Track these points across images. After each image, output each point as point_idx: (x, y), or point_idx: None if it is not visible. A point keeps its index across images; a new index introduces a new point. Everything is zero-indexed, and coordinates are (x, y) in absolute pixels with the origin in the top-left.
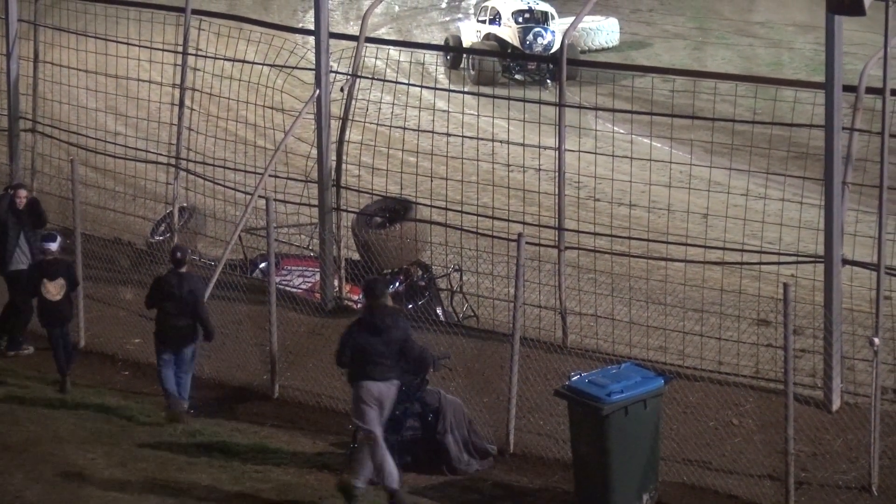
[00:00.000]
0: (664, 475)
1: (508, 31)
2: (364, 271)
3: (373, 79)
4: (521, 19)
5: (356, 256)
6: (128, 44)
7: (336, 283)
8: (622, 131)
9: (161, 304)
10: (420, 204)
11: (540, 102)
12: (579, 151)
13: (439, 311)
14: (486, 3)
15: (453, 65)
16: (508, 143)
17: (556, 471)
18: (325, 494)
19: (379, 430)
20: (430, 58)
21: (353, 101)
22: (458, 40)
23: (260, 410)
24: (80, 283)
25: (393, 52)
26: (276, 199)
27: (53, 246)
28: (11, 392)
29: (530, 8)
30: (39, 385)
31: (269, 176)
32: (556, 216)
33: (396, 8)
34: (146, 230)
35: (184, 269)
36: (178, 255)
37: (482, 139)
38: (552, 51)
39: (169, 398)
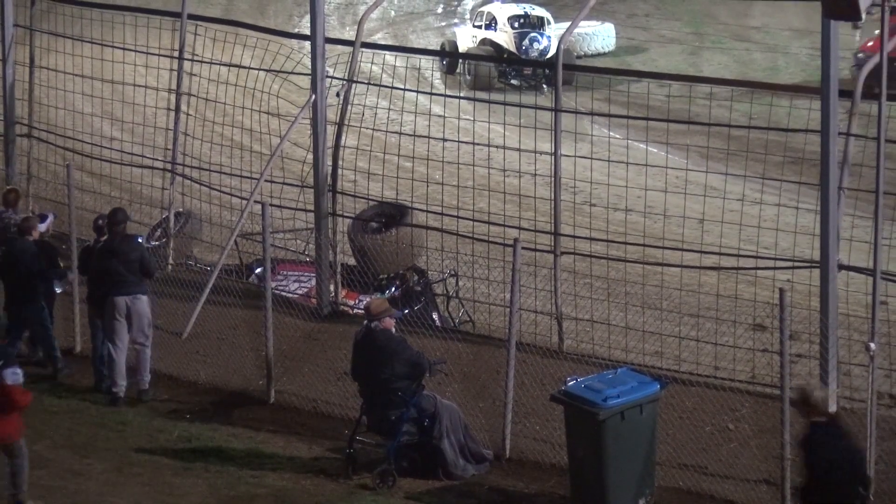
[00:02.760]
0: (660, 480)
1: (504, 37)
2: (360, 276)
3: (369, 84)
4: (517, 24)
5: (352, 261)
6: (124, 49)
7: (332, 288)
8: (618, 136)
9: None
10: (416, 209)
11: (536, 108)
12: (575, 156)
13: (435, 316)
14: (482, 9)
15: (449, 70)
16: (504, 148)
17: (552, 476)
18: (321, 500)
19: (126, 339)
20: (426, 63)
21: (350, 106)
22: (455, 45)
23: (256, 415)
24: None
25: (389, 57)
26: (272, 204)
27: (41, 227)
28: None
29: (526, 13)
30: (35, 389)
31: (266, 181)
32: (552, 221)
33: (392, 13)
34: (142, 235)
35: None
36: (100, 222)
37: (478, 144)
38: (548, 56)
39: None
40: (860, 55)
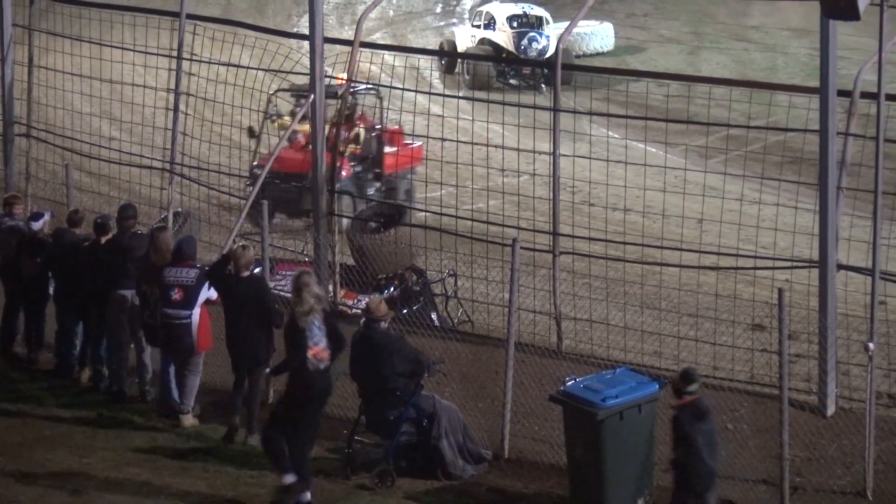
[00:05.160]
0: (659, 480)
1: (503, 36)
2: (359, 276)
3: (367, 83)
4: (515, 24)
5: (351, 261)
6: (122, 48)
7: (331, 287)
8: (617, 136)
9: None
10: (415, 209)
11: (535, 107)
12: (574, 156)
13: (434, 316)
14: (480, 8)
15: (448, 69)
16: (503, 147)
17: (551, 476)
18: (320, 500)
19: (127, 334)
20: (425, 62)
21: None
22: (453, 45)
23: None
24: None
25: (388, 56)
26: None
27: (36, 225)
28: (5, 396)
29: (525, 13)
30: (33, 389)
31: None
32: (551, 221)
33: (391, 13)
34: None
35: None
36: (99, 220)
37: (477, 144)
38: (547, 55)
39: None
40: (256, 169)
